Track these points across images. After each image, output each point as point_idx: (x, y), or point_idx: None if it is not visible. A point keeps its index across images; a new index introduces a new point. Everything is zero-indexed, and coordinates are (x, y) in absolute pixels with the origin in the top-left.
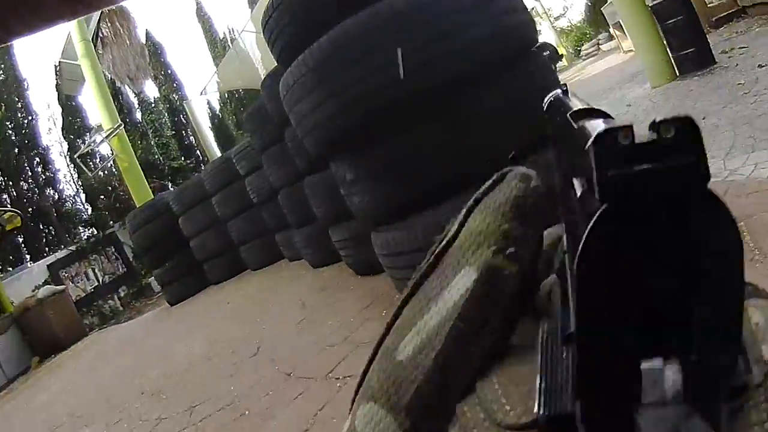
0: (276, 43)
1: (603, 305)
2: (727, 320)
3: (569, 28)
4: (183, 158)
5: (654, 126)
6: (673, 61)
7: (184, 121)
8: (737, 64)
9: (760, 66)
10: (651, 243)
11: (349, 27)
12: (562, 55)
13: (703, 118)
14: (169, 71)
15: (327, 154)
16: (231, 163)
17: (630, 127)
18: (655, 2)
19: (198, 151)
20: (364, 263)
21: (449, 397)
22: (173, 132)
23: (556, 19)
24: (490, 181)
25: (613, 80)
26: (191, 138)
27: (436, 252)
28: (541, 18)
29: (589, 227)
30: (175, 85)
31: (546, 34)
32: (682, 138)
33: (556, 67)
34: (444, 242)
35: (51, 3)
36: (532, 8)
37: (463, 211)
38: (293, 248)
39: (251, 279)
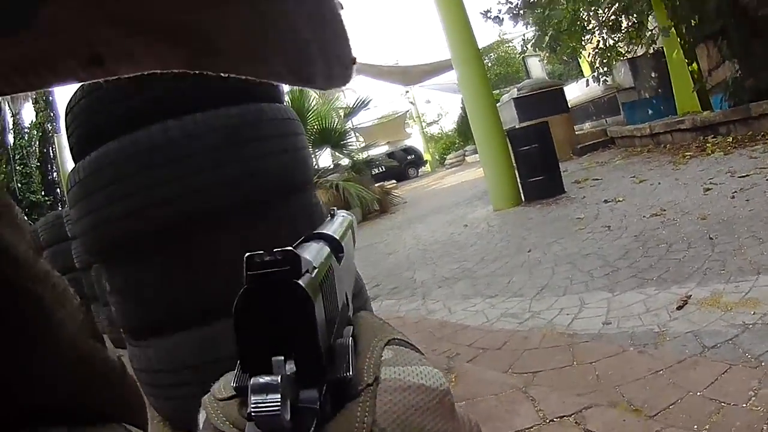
0: (70, 138)
1: (249, 334)
2: (310, 348)
3: (439, 136)
4: (43, 193)
5: (277, 253)
6: (520, 186)
7: (52, 155)
8: (584, 197)
9: (605, 201)
10: (268, 308)
11: (110, 149)
12: (426, 161)
13: (529, 251)
14: (51, 98)
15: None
16: (62, 220)
17: (263, 254)
18: (511, 127)
19: (59, 190)
20: None
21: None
22: (39, 163)
23: (429, 124)
24: None
25: (464, 195)
26: (55, 174)
27: None
28: (414, 122)
29: (238, 295)
30: (52, 114)
31: (415, 139)
32: (286, 258)
33: (418, 172)
34: None
35: (70, 64)
36: (407, 111)
37: None
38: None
39: None
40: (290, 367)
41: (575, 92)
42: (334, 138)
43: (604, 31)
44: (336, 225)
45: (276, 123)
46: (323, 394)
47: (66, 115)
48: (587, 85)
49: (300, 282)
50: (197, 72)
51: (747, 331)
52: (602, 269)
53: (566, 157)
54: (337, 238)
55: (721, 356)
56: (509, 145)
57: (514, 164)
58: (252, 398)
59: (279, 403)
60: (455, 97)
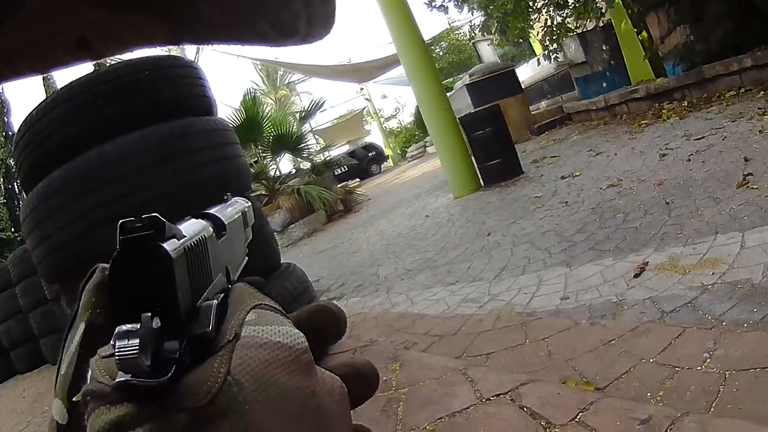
0: (19, 171)
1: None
2: (170, 305)
3: (399, 130)
4: (12, 230)
5: (144, 218)
6: (478, 171)
7: (18, 190)
8: (542, 175)
9: (562, 177)
10: (135, 269)
11: (54, 178)
12: (388, 156)
13: (488, 235)
14: (11, 133)
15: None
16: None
17: (134, 220)
18: (464, 113)
19: None
20: None
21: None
22: (5, 200)
23: (387, 119)
24: None
25: (425, 187)
26: None
27: None
28: (372, 118)
29: (111, 259)
30: (13, 149)
31: (375, 135)
32: (152, 223)
33: (380, 168)
34: None
35: (58, 50)
36: (364, 108)
37: None
38: None
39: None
40: (156, 322)
41: (528, 72)
42: (291, 143)
43: (551, 8)
44: (223, 207)
45: (206, 135)
46: (184, 347)
47: (14, 150)
48: (539, 64)
49: (161, 243)
50: (180, 44)
51: (706, 292)
52: (560, 245)
53: (524, 137)
54: (220, 217)
55: (680, 320)
56: (463, 131)
57: (470, 150)
58: (116, 344)
59: (137, 347)
60: (410, 89)
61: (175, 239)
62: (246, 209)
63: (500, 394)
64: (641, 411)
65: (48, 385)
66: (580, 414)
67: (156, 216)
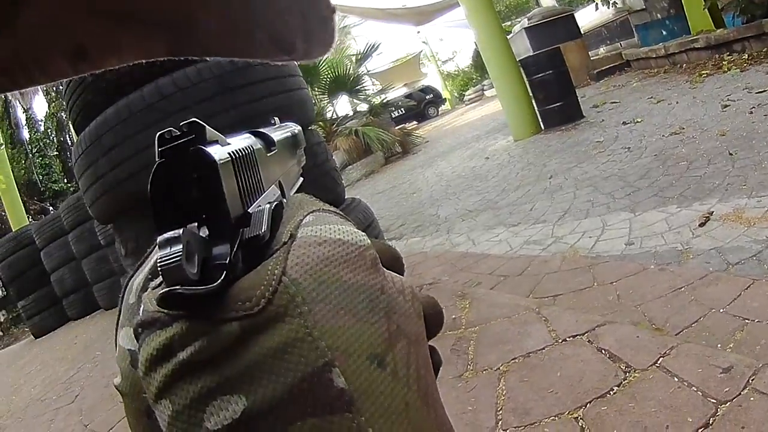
0: (71, 113)
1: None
2: (218, 209)
3: (456, 73)
4: (65, 180)
5: (184, 125)
6: (539, 114)
7: (70, 142)
8: (603, 120)
9: (624, 123)
10: (178, 177)
11: (108, 116)
12: (446, 99)
13: (550, 178)
14: (61, 87)
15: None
16: (83, 201)
17: (172, 129)
18: (523, 56)
19: None
20: None
21: None
22: (57, 152)
23: (444, 62)
24: None
25: (485, 129)
26: None
27: None
28: (429, 61)
29: (152, 171)
30: (64, 102)
31: (433, 78)
32: (192, 128)
33: (438, 111)
34: None
35: (57, 61)
36: (421, 51)
37: None
38: None
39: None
40: (204, 231)
41: (587, 18)
42: (349, 84)
43: None
44: (272, 128)
45: (267, 66)
46: (235, 251)
47: (64, 92)
48: (596, 9)
49: (203, 147)
50: (179, 56)
51: None
52: (623, 190)
53: (583, 82)
54: (268, 134)
55: (745, 272)
56: (523, 74)
57: (531, 93)
58: (159, 254)
59: (180, 254)
60: (468, 32)
61: (219, 144)
62: (296, 131)
63: (577, 335)
64: (722, 359)
65: (100, 331)
66: (661, 359)
67: (195, 120)
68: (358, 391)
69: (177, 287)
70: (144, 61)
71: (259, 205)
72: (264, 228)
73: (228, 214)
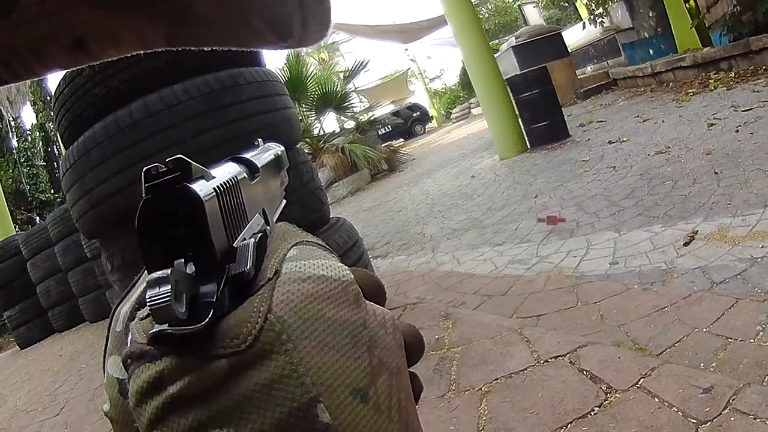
0: (60, 126)
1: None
2: (204, 246)
3: (443, 91)
4: (52, 191)
5: (170, 162)
6: (525, 133)
7: (57, 153)
8: (589, 139)
9: (610, 142)
10: (164, 214)
11: (96, 131)
12: (432, 117)
13: (535, 197)
14: (48, 98)
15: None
16: (70, 213)
17: (158, 165)
18: (510, 75)
19: None
20: None
21: None
22: (44, 162)
23: (431, 80)
24: None
25: (471, 147)
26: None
27: None
28: (417, 79)
29: (138, 208)
30: (52, 113)
31: (420, 96)
32: (177, 165)
33: (425, 128)
34: None
35: (55, 51)
36: (408, 69)
37: None
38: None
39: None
40: (190, 267)
41: (574, 36)
42: (336, 101)
43: None
44: (256, 152)
45: (255, 86)
46: (221, 289)
47: (53, 105)
48: (584, 28)
49: (188, 184)
50: (176, 47)
51: (756, 264)
52: (608, 209)
53: (570, 101)
54: (252, 159)
55: (729, 291)
56: (510, 93)
57: (517, 112)
58: (148, 293)
59: (169, 294)
60: (455, 50)
61: (204, 180)
62: (279, 153)
63: (559, 356)
64: (703, 379)
65: (86, 344)
66: (642, 379)
67: (181, 157)
68: (342, 425)
69: (166, 327)
70: (142, 52)
71: (244, 238)
72: (249, 264)
73: (213, 251)
